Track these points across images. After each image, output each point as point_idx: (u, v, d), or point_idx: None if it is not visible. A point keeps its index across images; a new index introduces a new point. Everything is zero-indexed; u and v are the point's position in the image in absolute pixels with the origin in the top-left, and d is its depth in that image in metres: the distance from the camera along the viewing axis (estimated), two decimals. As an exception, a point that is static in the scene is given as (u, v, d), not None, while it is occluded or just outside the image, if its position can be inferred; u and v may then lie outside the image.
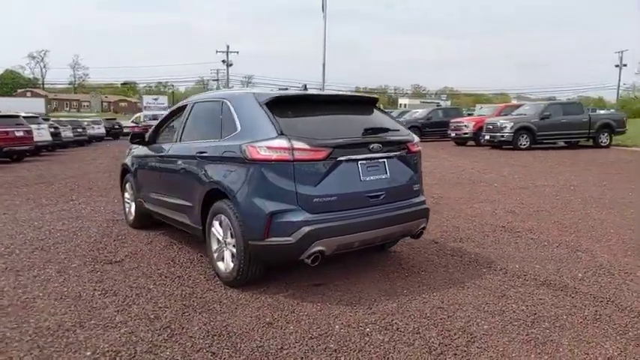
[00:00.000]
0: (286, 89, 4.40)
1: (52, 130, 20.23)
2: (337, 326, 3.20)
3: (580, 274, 4.16)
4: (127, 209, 6.18)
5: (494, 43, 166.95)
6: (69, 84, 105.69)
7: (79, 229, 5.96)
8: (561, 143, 19.25)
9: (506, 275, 4.17)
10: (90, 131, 27.90)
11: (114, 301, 3.66)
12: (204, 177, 4.12)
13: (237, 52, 68.74)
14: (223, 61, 63.08)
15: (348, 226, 3.62)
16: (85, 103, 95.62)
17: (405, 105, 67.27)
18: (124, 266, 4.50)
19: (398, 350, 2.87)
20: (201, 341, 2.99)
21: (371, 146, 3.80)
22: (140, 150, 5.75)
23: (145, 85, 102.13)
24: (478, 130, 19.57)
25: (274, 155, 3.52)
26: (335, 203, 3.60)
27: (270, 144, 3.53)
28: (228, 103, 4.17)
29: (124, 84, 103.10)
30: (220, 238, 4.01)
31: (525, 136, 17.60)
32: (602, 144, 18.43)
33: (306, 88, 4.39)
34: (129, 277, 4.18)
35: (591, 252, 4.81)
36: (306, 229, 3.45)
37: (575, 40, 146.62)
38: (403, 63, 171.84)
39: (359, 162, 3.74)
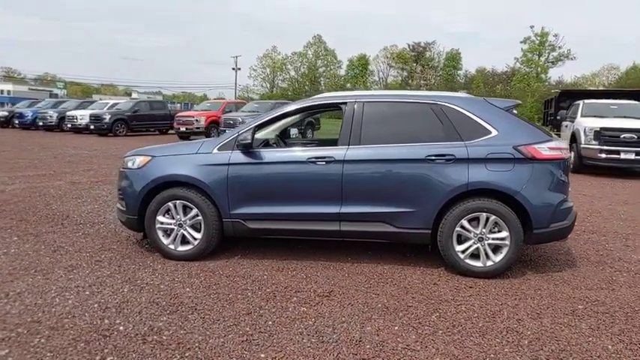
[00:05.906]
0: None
1: None
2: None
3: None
4: (166, 240, 4.66)
5: (94, 30, 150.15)
6: None
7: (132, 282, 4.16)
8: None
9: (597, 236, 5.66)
10: None
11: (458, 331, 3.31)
12: (451, 179, 4.25)
13: None
14: None
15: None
16: None
17: (10, 92, 54.67)
18: (355, 301, 3.76)
19: None
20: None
21: None
22: (231, 157, 4.56)
23: None
24: (209, 125, 20.74)
25: (554, 154, 4.28)
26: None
27: (551, 145, 4.30)
28: (456, 107, 4.43)
29: None
30: (471, 236, 4.25)
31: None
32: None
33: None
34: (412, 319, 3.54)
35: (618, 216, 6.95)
36: (574, 212, 4.48)
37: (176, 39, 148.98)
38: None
39: None
